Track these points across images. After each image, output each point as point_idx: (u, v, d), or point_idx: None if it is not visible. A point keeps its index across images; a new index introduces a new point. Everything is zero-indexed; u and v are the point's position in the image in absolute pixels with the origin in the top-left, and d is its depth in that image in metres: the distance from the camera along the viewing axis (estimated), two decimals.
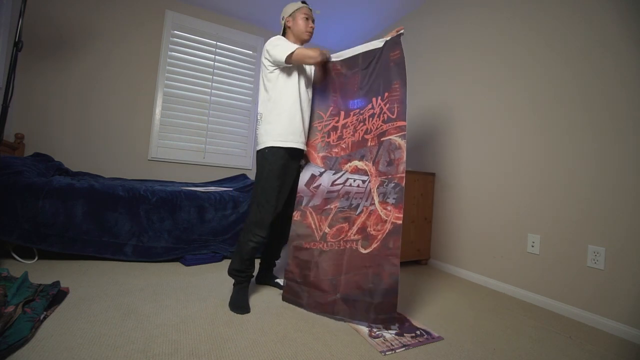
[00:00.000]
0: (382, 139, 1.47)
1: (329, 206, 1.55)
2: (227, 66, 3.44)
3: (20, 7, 1.55)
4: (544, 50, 1.88)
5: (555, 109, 1.80)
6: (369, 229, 1.43)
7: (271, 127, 1.49)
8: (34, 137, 2.66)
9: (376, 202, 1.44)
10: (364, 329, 1.31)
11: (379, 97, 1.53)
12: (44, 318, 1.15)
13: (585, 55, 1.69)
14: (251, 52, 3.58)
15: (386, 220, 1.39)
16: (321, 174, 1.62)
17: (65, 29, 2.76)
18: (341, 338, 1.22)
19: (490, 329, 1.42)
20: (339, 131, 1.64)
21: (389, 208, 1.40)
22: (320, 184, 1.60)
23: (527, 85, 1.96)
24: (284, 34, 1.63)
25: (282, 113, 1.50)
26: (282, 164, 1.49)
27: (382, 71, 1.54)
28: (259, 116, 1.56)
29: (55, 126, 2.74)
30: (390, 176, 1.42)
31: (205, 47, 3.34)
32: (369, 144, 1.53)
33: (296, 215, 1.59)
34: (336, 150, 1.62)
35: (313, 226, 1.56)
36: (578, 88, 1.71)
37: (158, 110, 3.11)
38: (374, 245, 1.41)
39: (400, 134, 1.42)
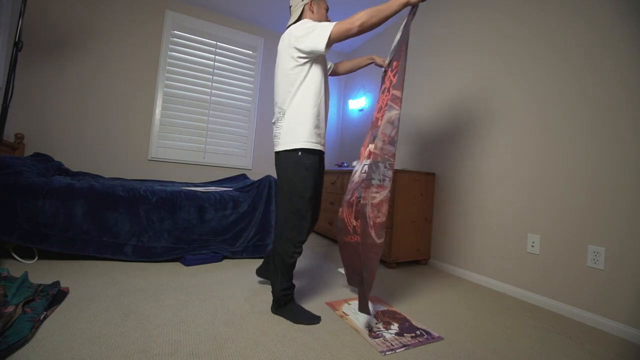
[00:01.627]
0: (378, 114, 1.37)
1: (352, 198, 1.42)
2: (227, 66, 3.44)
3: (20, 7, 1.55)
4: (544, 49, 1.88)
5: (555, 108, 1.80)
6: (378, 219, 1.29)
7: (301, 127, 1.33)
8: (34, 137, 2.66)
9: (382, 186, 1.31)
10: (364, 329, 1.31)
11: (389, 69, 1.41)
12: (44, 318, 1.15)
13: (585, 55, 1.69)
14: (251, 52, 3.58)
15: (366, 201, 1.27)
16: (355, 165, 1.54)
17: (65, 29, 2.76)
18: (341, 338, 1.22)
19: (490, 329, 1.42)
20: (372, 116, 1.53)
21: (374, 189, 1.27)
22: (354, 178, 1.48)
23: (526, 85, 1.96)
24: (299, 18, 1.42)
25: (310, 110, 1.34)
26: (317, 168, 1.39)
27: (400, 37, 1.42)
28: (279, 112, 1.40)
29: (55, 126, 2.74)
30: (387, 156, 1.27)
31: (205, 47, 3.34)
32: (378, 123, 1.36)
33: (339, 212, 1.49)
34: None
35: (346, 220, 1.45)
36: (578, 87, 1.71)
37: (158, 110, 3.12)
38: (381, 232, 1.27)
39: (395, 105, 1.27)
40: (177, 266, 1.97)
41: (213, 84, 3.36)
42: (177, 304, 1.41)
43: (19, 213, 1.76)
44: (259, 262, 2.18)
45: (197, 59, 3.30)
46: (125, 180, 2.61)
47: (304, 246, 2.83)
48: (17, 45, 1.54)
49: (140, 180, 2.81)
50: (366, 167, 1.35)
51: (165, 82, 3.15)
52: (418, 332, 1.32)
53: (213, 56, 3.37)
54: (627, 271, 1.45)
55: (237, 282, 1.75)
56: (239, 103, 3.51)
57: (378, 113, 1.42)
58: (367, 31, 1.27)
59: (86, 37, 2.84)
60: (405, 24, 1.41)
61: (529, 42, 1.97)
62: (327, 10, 1.49)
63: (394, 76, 1.34)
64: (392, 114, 1.27)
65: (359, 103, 3.72)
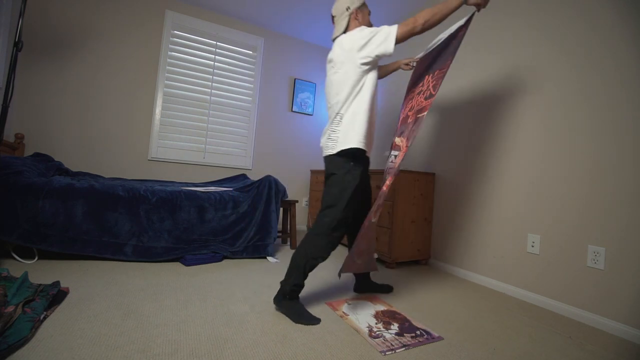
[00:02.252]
0: (418, 115, 1.46)
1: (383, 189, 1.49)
2: (227, 66, 3.44)
3: (20, 7, 1.55)
4: (544, 50, 1.88)
5: (555, 108, 1.80)
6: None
7: (356, 130, 1.37)
8: (34, 137, 2.66)
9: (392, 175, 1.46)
10: (364, 329, 1.31)
11: (431, 75, 1.50)
12: (44, 318, 1.15)
13: (585, 55, 1.69)
14: (251, 52, 3.58)
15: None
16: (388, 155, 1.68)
17: (65, 29, 2.76)
18: (341, 338, 1.22)
19: (490, 329, 1.42)
20: (400, 114, 1.70)
21: (387, 177, 1.47)
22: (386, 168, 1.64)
23: (526, 85, 1.96)
24: (347, 28, 1.48)
25: (364, 113, 1.38)
26: (363, 170, 1.43)
27: (444, 47, 1.51)
28: (337, 117, 1.42)
29: (55, 126, 2.74)
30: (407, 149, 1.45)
31: (205, 47, 3.34)
32: (408, 120, 1.53)
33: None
34: (393, 130, 1.69)
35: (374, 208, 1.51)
36: (578, 87, 1.71)
37: (158, 110, 3.11)
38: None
39: (429, 107, 1.42)
40: (177, 266, 1.97)
41: (213, 84, 3.36)
42: (177, 304, 1.41)
43: (19, 213, 1.76)
44: (259, 262, 2.19)
45: (197, 59, 3.30)
46: (125, 180, 2.61)
47: None
48: (17, 45, 1.54)
49: (140, 180, 2.81)
50: (393, 157, 1.54)
51: (165, 82, 3.15)
52: (418, 332, 1.32)
53: (213, 56, 3.36)
54: (627, 271, 1.45)
55: (237, 282, 1.75)
56: (239, 103, 3.51)
57: (410, 111, 1.55)
58: (428, 29, 1.35)
59: (86, 37, 2.84)
60: (457, 35, 1.48)
61: (529, 42, 1.97)
62: (369, 14, 1.54)
63: (433, 86, 1.45)
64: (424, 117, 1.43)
65: None
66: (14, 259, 1.77)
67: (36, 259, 1.81)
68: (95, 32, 2.87)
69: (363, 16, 1.50)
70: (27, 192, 1.79)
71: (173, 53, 3.20)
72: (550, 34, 1.85)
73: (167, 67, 3.16)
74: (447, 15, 1.33)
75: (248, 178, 3.11)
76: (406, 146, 1.45)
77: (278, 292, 1.42)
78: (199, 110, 3.30)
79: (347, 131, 1.39)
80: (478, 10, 1.39)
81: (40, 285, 1.36)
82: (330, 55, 1.49)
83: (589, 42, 1.67)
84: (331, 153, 1.43)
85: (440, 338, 1.29)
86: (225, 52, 3.43)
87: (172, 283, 1.66)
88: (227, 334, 1.17)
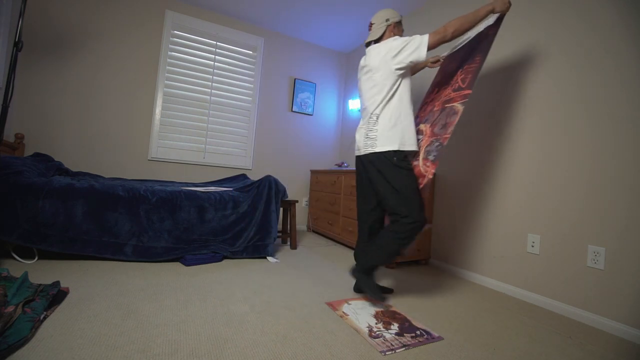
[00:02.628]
0: (445, 105, 1.59)
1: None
2: (227, 66, 3.44)
3: (20, 7, 1.55)
4: (544, 50, 1.88)
5: (555, 109, 1.80)
6: None
7: (399, 130, 1.52)
8: (34, 137, 2.66)
9: (420, 158, 1.58)
10: (364, 329, 1.31)
11: (460, 69, 1.63)
12: (44, 318, 1.15)
13: (585, 55, 1.69)
14: (251, 52, 3.58)
15: (425, 174, 1.53)
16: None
17: (65, 29, 2.76)
18: (341, 338, 1.22)
19: (490, 329, 1.42)
20: (425, 106, 1.81)
21: (428, 164, 1.54)
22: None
23: (526, 86, 1.96)
24: (381, 36, 1.65)
25: (399, 115, 1.53)
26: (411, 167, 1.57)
27: (474, 44, 1.62)
28: (372, 117, 1.56)
29: (55, 126, 2.74)
30: (438, 136, 1.54)
31: (205, 47, 3.34)
32: (435, 109, 1.67)
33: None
34: (417, 120, 1.78)
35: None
36: (578, 88, 1.71)
37: (158, 110, 3.11)
38: None
39: (463, 100, 1.52)
40: (177, 266, 1.97)
41: (213, 84, 3.36)
42: (177, 304, 1.41)
43: (19, 213, 1.76)
44: (259, 262, 2.19)
45: (197, 59, 3.30)
46: (125, 180, 2.61)
47: (303, 245, 2.83)
48: (17, 45, 1.54)
49: (140, 180, 2.81)
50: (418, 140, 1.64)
51: (165, 82, 3.15)
52: (418, 332, 1.32)
53: (213, 56, 3.36)
54: (627, 271, 1.45)
55: (237, 282, 1.75)
56: (239, 103, 3.51)
57: (438, 101, 1.68)
58: (457, 37, 1.51)
59: (86, 37, 2.84)
60: (487, 33, 1.58)
61: (529, 42, 1.97)
62: (402, 32, 1.73)
63: (462, 79, 1.58)
64: (460, 108, 1.52)
65: (359, 103, 3.71)
66: (14, 259, 1.77)
67: (36, 259, 1.81)
68: (95, 32, 2.87)
69: (398, 31, 1.68)
70: (27, 192, 1.79)
71: (173, 53, 3.20)
72: (550, 34, 1.85)
73: (167, 67, 3.16)
74: (475, 24, 1.51)
75: (248, 178, 3.11)
76: (431, 131, 1.59)
77: (359, 267, 1.60)
78: (199, 110, 3.30)
79: (386, 133, 1.53)
80: (503, 15, 1.54)
81: (40, 285, 1.36)
82: (365, 62, 1.65)
83: (589, 43, 1.67)
84: (370, 151, 1.56)
85: (440, 338, 1.29)
86: (225, 52, 3.43)
87: (172, 283, 1.66)
88: (227, 334, 1.17)
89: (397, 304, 1.63)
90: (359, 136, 1.65)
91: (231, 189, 2.55)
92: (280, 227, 3.34)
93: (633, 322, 1.41)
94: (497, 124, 2.12)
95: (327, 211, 3.27)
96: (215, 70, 3.37)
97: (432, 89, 1.86)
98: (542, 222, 1.81)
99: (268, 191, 2.41)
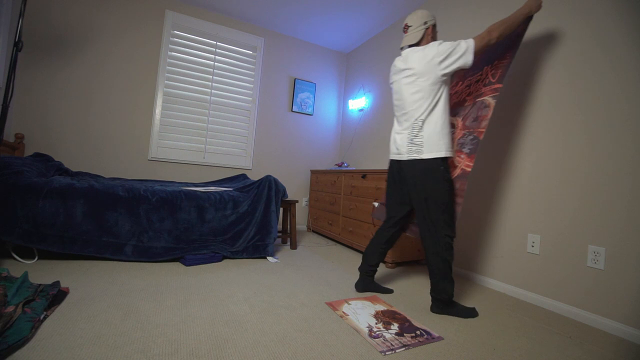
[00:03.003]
0: (476, 100, 1.71)
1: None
2: (227, 66, 3.44)
3: (20, 7, 1.55)
4: (546, 49, 1.88)
5: (555, 108, 1.80)
6: None
7: (443, 137, 1.52)
8: (34, 137, 2.66)
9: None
10: (364, 329, 1.31)
11: (490, 65, 1.73)
12: (44, 318, 1.15)
13: (582, 54, 1.69)
14: (251, 52, 3.58)
15: (457, 165, 1.63)
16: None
17: (65, 29, 2.76)
18: (341, 338, 1.22)
19: (490, 329, 1.42)
20: (451, 97, 1.90)
21: (462, 156, 1.63)
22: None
23: (525, 85, 1.96)
24: (420, 40, 1.62)
25: (444, 121, 1.53)
26: (446, 172, 1.55)
27: (503, 41, 1.71)
28: (417, 122, 1.54)
29: (55, 126, 2.74)
30: (471, 129, 1.64)
31: (205, 47, 3.34)
32: (466, 103, 1.77)
33: None
34: None
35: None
36: (578, 87, 1.71)
37: (158, 110, 3.12)
38: None
39: (494, 94, 1.62)
40: (177, 266, 1.97)
41: (213, 84, 3.36)
42: (177, 304, 1.41)
43: (19, 213, 1.76)
44: (259, 262, 2.19)
45: (197, 59, 3.30)
46: (125, 180, 2.61)
47: (303, 245, 2.83)
48: (17, 45, 1.54)
49: (140, 180, 2.81)
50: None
51: (165, 82, 3.15)
52: (418, 332, 1.32)
53: (213, 56, 3.37)
54: (627, 271, 1.45)
55: (237, 282, 1.75)
56: (239, 103, 3.51)
57: (469, 96, 1.78)
58: (499, 40, 1.59)
59: (86, 37, 2.84)
60: (517, 31, 1.67)
61: (528, 41, 1.97)
62: (437, 35, 1.80)
63: (492, 74, 1.68)
64: (492, 101, 1.61)
65: (359, 103, 3.72)
66: (14, 259, 1.77)
67: (36, 259, 1.81)
68: (95, 32, 2.87)
69: (434, 34, 1.67)
70: (27, 192, 1.79)
71: (173, 53, 3.20)
72: (551, 33, 1.85)
73: (167, 67, 3.16)
74: (515, 28, 1.57)
75: (248, 178, 3.11)
76: (463, 124, 1.71)
77: (437, 302, 1.55)
78: (199, 110, 3.31)
79: (431, 139, 1.52)
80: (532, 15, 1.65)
81: (40, 285, 1.36)
82: (407, 65, 1.59)
83: (587, 43, 1.67)
84: (416, 158, 1.54)
85: (440, 338, 1.29)
86: (225, 52, 3.43)
87: (172, 283, 1.66)
88: (227, 334, 1.18)
89: (397, 304, 1.63)
90: (401, 140, 1.61)
91: (231, 188, 2.55)
92: (280, 227, 3.34)
93: (633, 322, 1.41)
94: (497, 125, 2.12)
95: (327, 211, 3.27)
96: (215, 70, 3.37)
97: (455, 81, 1.97)
98: (542, 222, 1.81)
99: (268, 191, 2.41)
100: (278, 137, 3.74)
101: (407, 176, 1.59)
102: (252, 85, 3.57)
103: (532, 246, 1.84)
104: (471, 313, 1.54)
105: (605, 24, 1.62)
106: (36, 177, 1.95)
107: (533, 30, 1.95)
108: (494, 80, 1.64)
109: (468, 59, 1.48)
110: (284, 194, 2.57)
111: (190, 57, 3.27)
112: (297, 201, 2.84)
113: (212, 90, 3.36)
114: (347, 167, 3.48)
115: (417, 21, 1.62)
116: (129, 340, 1.08)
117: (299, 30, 3.65)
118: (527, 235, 1.87)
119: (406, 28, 1.65)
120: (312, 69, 3.93)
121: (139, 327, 1.17)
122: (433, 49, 1.51)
